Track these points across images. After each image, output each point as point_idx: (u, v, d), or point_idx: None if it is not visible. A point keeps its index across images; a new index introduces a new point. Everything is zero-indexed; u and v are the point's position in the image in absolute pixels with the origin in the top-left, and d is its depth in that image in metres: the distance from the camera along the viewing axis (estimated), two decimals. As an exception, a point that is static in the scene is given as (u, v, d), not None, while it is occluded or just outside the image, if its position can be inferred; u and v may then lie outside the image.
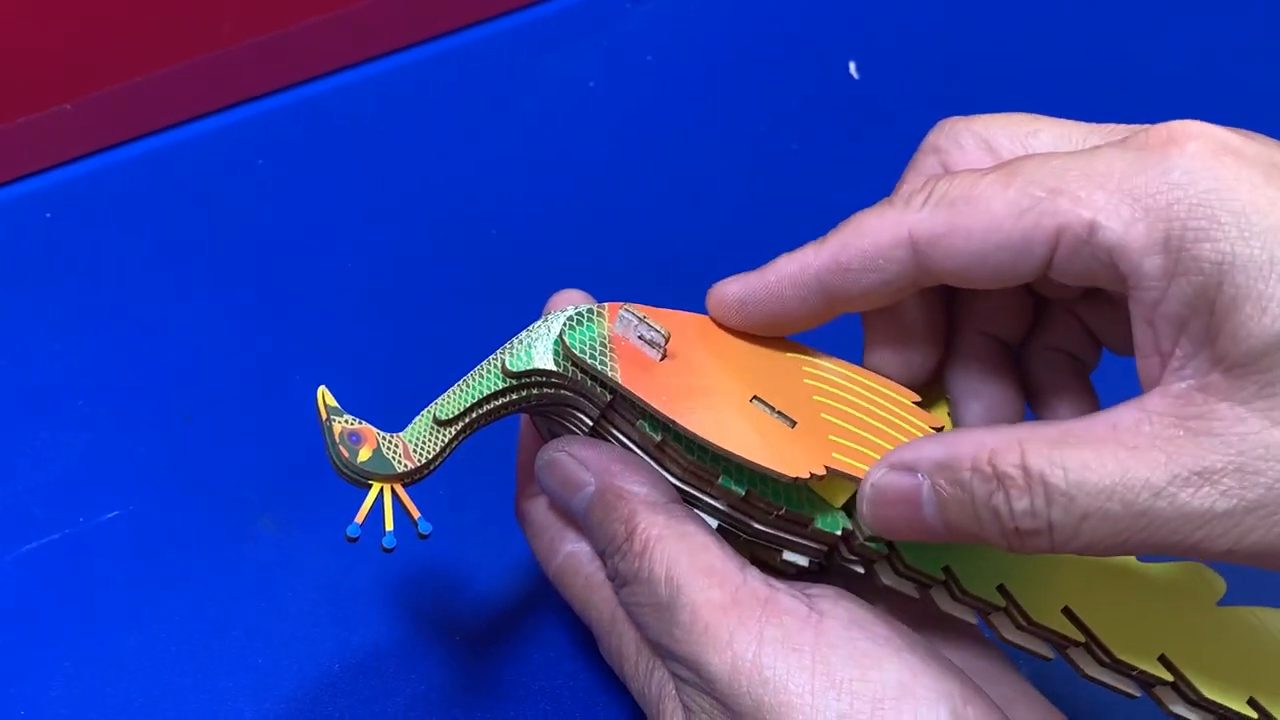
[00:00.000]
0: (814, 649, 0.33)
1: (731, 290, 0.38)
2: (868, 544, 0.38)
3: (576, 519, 0.38)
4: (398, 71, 0.61)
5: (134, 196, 0.56)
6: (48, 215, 0.55)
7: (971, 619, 0.38)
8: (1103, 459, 0.31)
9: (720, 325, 0.39)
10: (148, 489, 0.47)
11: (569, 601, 0.40)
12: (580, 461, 0.37)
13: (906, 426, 0.38)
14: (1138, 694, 0.38)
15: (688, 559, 0.34)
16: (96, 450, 0.48)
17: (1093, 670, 0.38)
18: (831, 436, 0.37)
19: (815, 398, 0.38)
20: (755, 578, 0.34)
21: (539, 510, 0.40)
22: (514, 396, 0.37)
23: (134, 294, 0.53)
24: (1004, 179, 0.33)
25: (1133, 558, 0.39)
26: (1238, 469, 0.30)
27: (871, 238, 0.35)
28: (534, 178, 0.58)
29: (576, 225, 0.56)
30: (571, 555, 0.39)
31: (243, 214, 0.56)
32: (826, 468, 0.36)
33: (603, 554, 0.37)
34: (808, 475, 0.36)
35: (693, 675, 0.34)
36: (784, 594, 0.34)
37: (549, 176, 0.58)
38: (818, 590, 0.35)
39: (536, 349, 0.37)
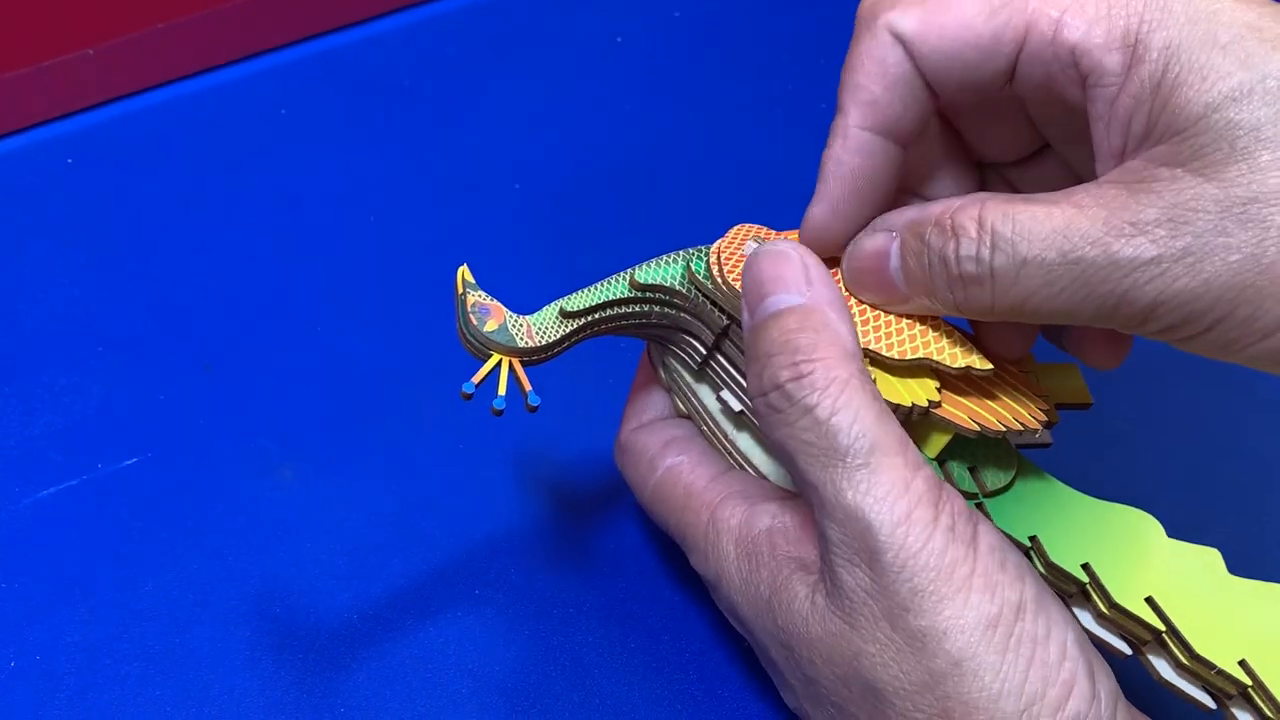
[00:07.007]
0: (974, 546, 0.33)
1: (816, 214, 0.38)
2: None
3: (751, 318, 0.36)
4: (423, 24, 0.61)
5: (156, 143, 0.56)
6: (69, 161, 0.55)
7: None
8: (1050, 214, 0.33)
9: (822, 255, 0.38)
10: (167, 436, 0.47)
11: (663, 518, 0.40)
12: (807, 274, 0.36)
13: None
14: (1212, 706, 0.37)
15: (875, 418, 0.34)
16: (116, 397, 0.48)
17: (1168, 674, 0.37)
18: (937, 384, 0.37)
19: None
20: (927, 462, 0.34)
21: (641, 437, 0.42)
22: (636, 308, 0.39)
23: (154, 241, 0.53)
24: None
25: (1222, 565, 0.38)
26: (1169, 220, 0.32)
27: (869, 57, 0.36)
28: (559, 133, 0.58)
29: (601, 181, 0.56)
30: (671, 468, 0.40)
31: (264, 163, 0.55)
32: (930, 402, 0.36)
33: (764, 362, 0.35)
34: (925, 404, 0.36)
35: (850, 540, 0.33)
36: (949, 487, 0.34)
37: (574, 132, 0.58)
38: None
39: (665, 270, 0.39)
